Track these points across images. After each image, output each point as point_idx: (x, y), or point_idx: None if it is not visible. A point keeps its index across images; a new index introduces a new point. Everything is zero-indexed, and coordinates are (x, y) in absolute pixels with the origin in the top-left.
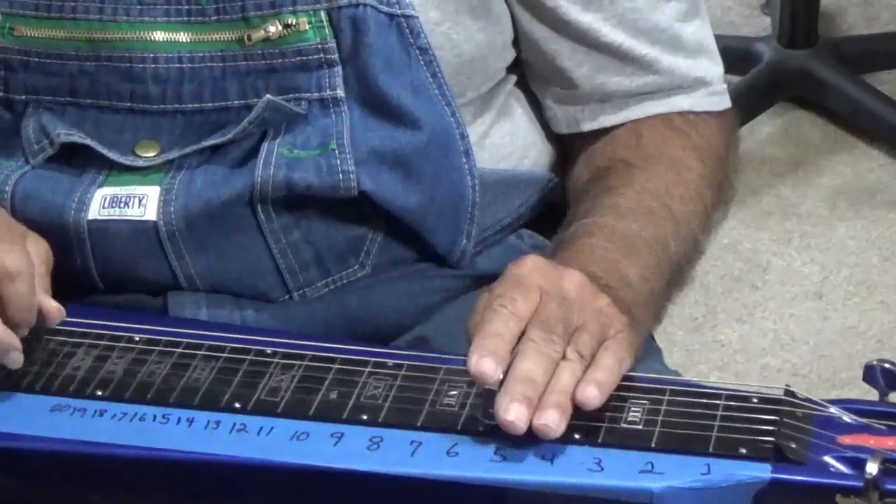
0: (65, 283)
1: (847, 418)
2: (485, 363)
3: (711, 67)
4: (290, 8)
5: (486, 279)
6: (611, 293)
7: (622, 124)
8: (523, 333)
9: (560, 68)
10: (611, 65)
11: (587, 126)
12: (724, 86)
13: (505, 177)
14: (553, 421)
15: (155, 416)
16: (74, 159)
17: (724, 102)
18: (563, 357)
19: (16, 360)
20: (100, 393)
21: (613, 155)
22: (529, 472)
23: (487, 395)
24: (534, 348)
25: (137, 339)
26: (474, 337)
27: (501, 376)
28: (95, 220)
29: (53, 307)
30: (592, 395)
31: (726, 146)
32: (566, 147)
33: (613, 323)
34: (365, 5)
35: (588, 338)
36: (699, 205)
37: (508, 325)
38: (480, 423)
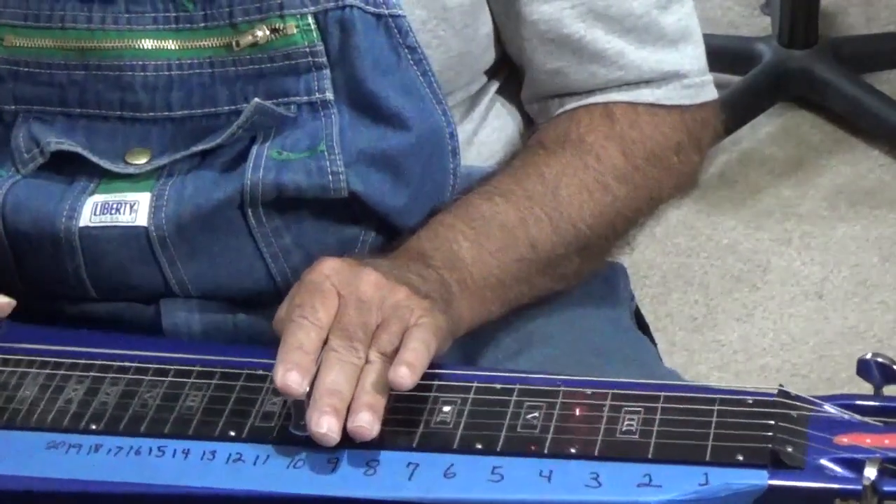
0: (57, 291)
1: (843, 416)
2: (290, 377)
3: (691, 57)
4: (278, 12)
5: None
6: (432, 275)
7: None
8: (326, 340)
9: (525, 65)
10: (574, 61)
11: (555, 112)
12: (707, 77)
13: None
14: (366, 421)
15: (150, 449)
16: (65, 168)
17: (703, 95)
18: (367, 360)
19: None
20: (94, 426)
21: (539, 137)
22: (528, 490)
23: (297, 407)
24: (336, 358)
25: (127, 366)
26: (279, 351)
27: (308, 388)
28: (87, 228)
29: (3, 302)
30: (404, 374)
31: (674, 146)
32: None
33: (414, 311)
34: (352, 7)
35: (388, 336)
36: (596, 195)
37: (310, 336)
38: (293, 435)
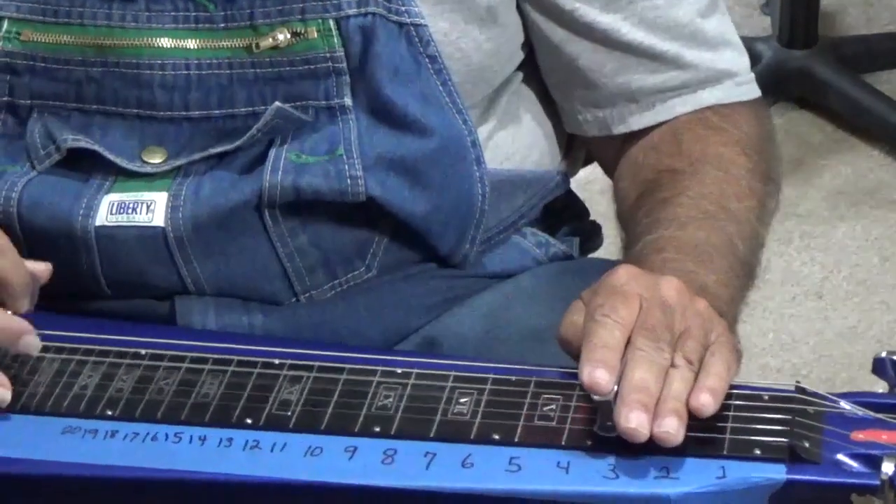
0: (72, 289)
1: (859, 413)
2: (598, 374)
3: (736, 58)
4: (299, 16)
5: (492, 278)
6: None
7: (656, 128)
8: (628, 342)
9: (582, 69)
10: (633, 63)
11: (617, 129)
12: (752, 75)
13: (509, 177)
14: (673, 427)
15: (167, 435)
16: (80, 165)
17: (753, 92)
18: (672, 363)
19: (32, 343)
20: (110, 413)
21: (658, 165)
22: (545, 481)
23: (602, 407)
24: (643, 356)
25: (143, 353)
26: (583, 349)
27: (615, 387)
28: (103, 227)
29: (41, 267)
30: (707, 402)
31: (764, 135)
32: (596, 151)
33: (715, 326)
34: (374, 14)
35: (694, 343)
36: (753, 199)
37: (615, 335)
38: (595, 436)
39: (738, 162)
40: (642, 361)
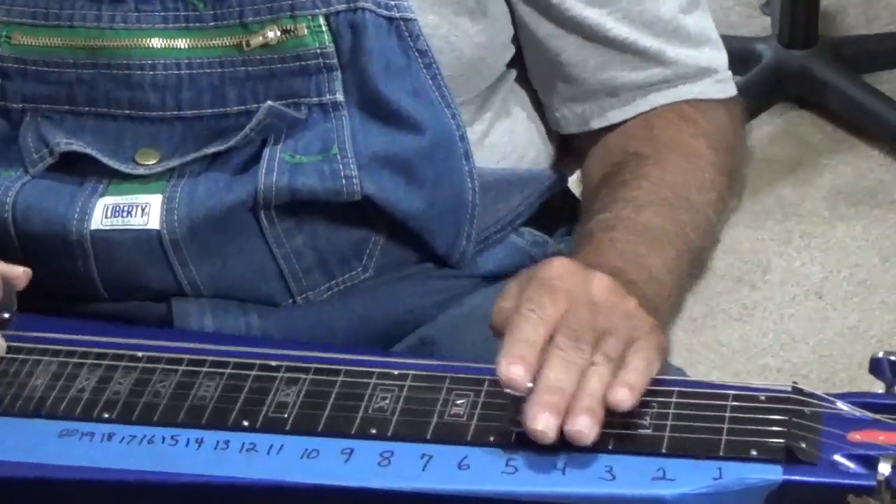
0: (68, 292)
1: (856, 413)
2: (514, 370)
3: (716, 56)
4: (289, 13)
5: (488, 278)
6: (636, 290)
7: (633, 118)
8: (551, 337)
9: (565, 64)
10: (617, 58)
11: (596, 123)
12: (730, 73)
13: (504, 176)
14: (585, 426)
15: (164, 438)
16: (74, 168)
17: (731, 90)
18: (591, 362)
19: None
20: (107, 415)
21: (626, 148)
22: (542, 483)
23: (515, 402)
24: (561, 356)
25: (140, 355)
26: (504, 342)
27: (531, 383)
28: (98, 230)
29: (17, 271)
30: (624, 397)
31: (735, 134)
32: (576, 145)
33: (642, 325)
34: (363, 10)
35: (614, 341)
36: (713, 193)
37: (537, 331)
38: (507, 430)
39: (705, 155)
40: (559, 361)
